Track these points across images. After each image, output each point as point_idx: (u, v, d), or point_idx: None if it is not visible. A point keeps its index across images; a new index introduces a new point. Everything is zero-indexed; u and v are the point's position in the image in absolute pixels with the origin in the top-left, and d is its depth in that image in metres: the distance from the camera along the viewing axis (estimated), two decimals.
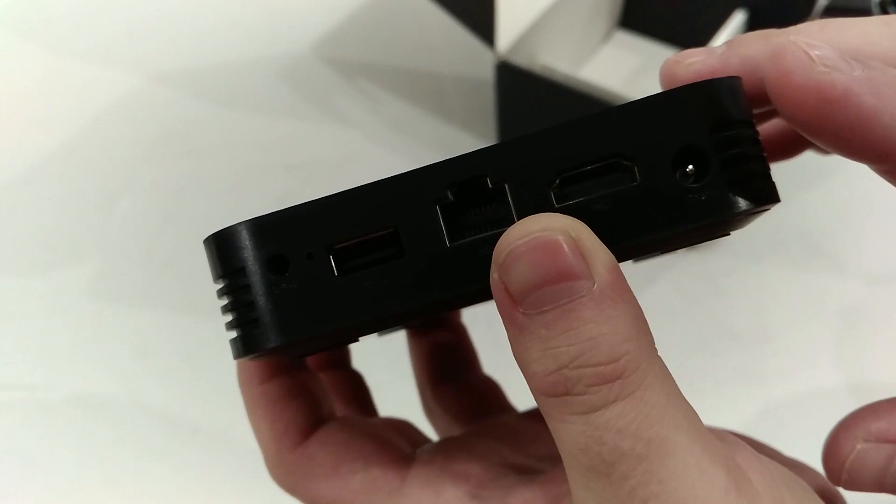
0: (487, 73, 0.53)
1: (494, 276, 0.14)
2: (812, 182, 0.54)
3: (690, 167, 0.15)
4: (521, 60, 0.52)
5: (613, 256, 0.14)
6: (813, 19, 0.56)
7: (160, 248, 0.53)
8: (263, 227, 0.16)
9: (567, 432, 0.14)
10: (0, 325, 0.49)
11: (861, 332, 0.47)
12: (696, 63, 0.16)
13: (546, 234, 0.14)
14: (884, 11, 0.59)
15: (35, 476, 0.42)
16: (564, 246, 0.13)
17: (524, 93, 0.53)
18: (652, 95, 0.15)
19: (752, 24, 0.60)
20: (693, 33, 0.61)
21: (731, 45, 0.16)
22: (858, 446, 0.16)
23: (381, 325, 0.17)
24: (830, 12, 0.56)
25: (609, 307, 0.13)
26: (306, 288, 0.16)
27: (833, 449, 0.16)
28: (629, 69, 0.64)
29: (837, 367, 0.45)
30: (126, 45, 0.67)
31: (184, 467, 0.43)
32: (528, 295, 0.14)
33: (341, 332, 0.16)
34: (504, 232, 0.14)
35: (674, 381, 0.14)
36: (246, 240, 0.17)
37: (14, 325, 0.49)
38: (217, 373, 0.47)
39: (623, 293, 0.14)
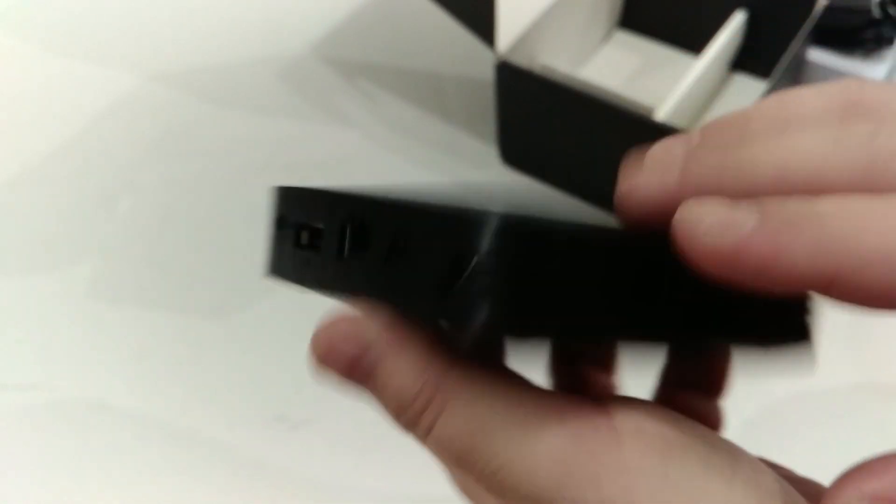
0: (487, 73, 0.53)
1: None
2: None
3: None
4: (521, 60, 0.52)
5: (357, 337, 0.17)
6: (813, 19, 0.56)
7: (160, 248, 0.53)
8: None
9: (431, 451, 0.17)
10: (0, 325, 0.49)
11: (862, 331, 0.47)
12: (650, 195, 0.16)
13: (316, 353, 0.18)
14: (884, 11, 0.59)
15: (35, 476, 0.42)
16: (327, 365, 0.18)
17: (524, 93, 0.53)
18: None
19: (751, 24, 0.60)
20: (693, 33, 0.61)
21: (688, 166, 0.16)
22: None
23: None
24: (831, 12, 0.56)
25: (375, 373, 0.17)
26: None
27: None
28: (629, 69, 0.64)
29: (838, 367, 0.45)
30: (126, 45, 0.67)
31: (184, 468, 0.43)
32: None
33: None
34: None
35: (477, 377, 0.17)
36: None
37: (14, 325, 0.49)
38: (217, 373, 0.47)
39: (373, 377, 0.17)
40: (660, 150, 0.16)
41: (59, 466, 0.43)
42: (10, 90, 0.63)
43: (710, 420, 0.23)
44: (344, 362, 0.17)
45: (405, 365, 0.17)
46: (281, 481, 0.42)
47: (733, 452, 0.16)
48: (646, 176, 0.16)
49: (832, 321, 0.52)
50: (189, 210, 0.55)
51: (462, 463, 0.16)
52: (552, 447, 0.15)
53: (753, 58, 0.61)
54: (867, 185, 0.14)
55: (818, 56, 0.59)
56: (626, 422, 0.16)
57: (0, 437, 0.44)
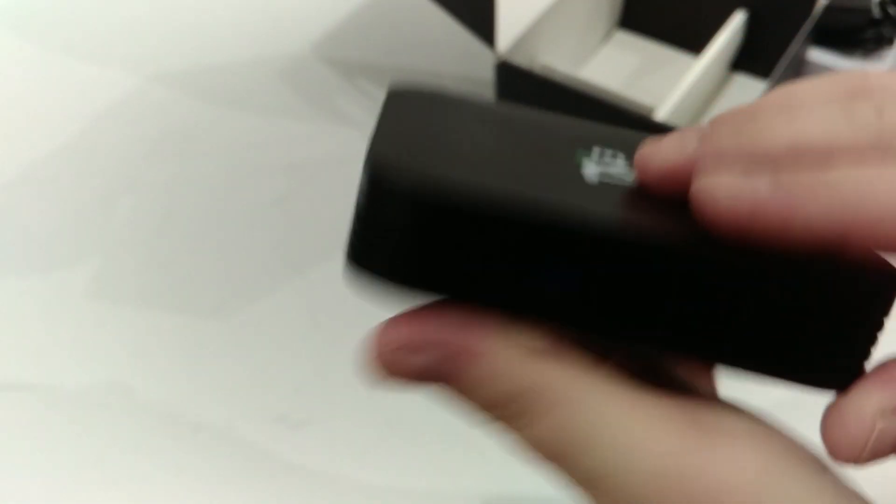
0: (487, 73, 0.53)
1: None
2: None
3: None
4: (521, 60, 0.52)
5: (460, 322, 0.16)
6: (813, 19, 0.56)
7: (160, 248, 0.53)
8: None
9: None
10: (0, 325, 0.49)
11: None
12: (669, 158, 0.17)
13: (386, 356, 0.17)
14: (883, 11, 0.60)
15: (35, 476, 0.42)
16: (400, 360, 0.17)
17: (524, 93, 0.53)
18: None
19: (751, 24, 0.60)
20: (693, 33, 0.61)
21: (704, 140, 0.16)
22: (879, 426, 0.16)
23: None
24: (831, 12, 0.56)
25: (470, 371, 0.16)
26: None
27: (842, 430, 0.16)
28: (629, 69, 0.64)
29: None
30: (126, 45, 0.67)
31: (184, 467, 0.43)
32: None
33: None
34: None
35: (584, 377, 0.16)
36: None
37: (14, 325, 0.49)
38: (217, 373, 0.47)
39: (474, 353, 0.16)
40: (677, 132, 0.17)
41: (59, 466, 0.43)
42: (10, 90, 0.63)
43: (702, 390, 0.23)
44: (417, 371, 0.16)
45: (486, 374, 0.16)
46: (281, 481, 0.42)
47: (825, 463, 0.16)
48: (667, 141, 0.17)
49: None
50: (189, 210, 0.55)
51: (558, 463, 0.16)
52: (657, 464, 0.15)
53: (753, 58, 0.61)
54: (876, 156, 0.14)
55: (818, 56, 0.59)
56: (742, 440, 0.16)
57: (0, 437, 0.44)
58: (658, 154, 0.17)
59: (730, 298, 0.16)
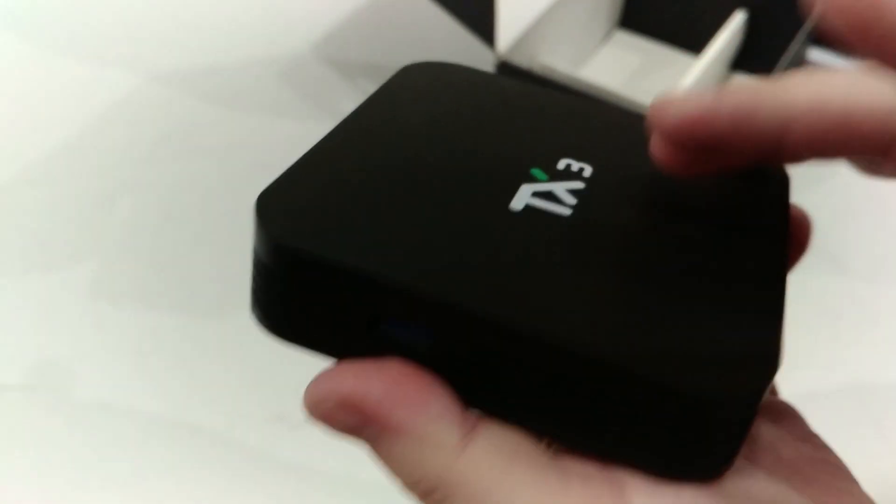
0: None
1: None
2: (812, 182, 0.54)
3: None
4: (521, 60, 0.52)
5: (397, 385, 0.16)
6: (813, 19, 0.56)
7: (160, 248, 0.53)
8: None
9: None
10: (0, 325, 0.49)
11: (861, 332, 0.47)
12: (688, 106, 0.17)
13: (322, 406, 0.17)
14: None
15: (34, 476, 0.42)
16: (333, 413, 0.17)
17: None
18: None
19: (751, 24, 0.60)
20: (693, 33, 0.61)
21: (719, 96, 0.17)
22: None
23: None
24: None
25: (391, 445, 0.16)
26: None
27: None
28: (629, 69, 0.64)
29: (838, 367, 0.45)
30: (126, 45, 0.67)
31: (183, 467, 0.43)
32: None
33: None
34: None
35: (500, 459, 0.15)
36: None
37: (14, 325, 0.49)
38: (217, 373, 0.47)
39: (398, 429, 0.15)
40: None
41: (59, 466, 0.43)
42: (11, 90, 0.63)
43: None
44: (343, 428, 0.17)
45: (407, 452, 0.16)
46: (281, 481, 0.42)
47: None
48: (683, 95, 0.17)
49: (834, 321, 0.52)
50: (189, 210, 0.55)
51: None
52: None
53: (753, 58, 0.61)
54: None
55: (818, 56, 0.59)
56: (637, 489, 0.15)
57: (0, 437, 0.44)
58: (673, 105, 0.17)
59: (581, 391, 0.15)
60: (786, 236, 0.19)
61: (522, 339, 0.15)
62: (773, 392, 0.23)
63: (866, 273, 0.50)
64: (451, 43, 0.64)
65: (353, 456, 0.43)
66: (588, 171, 0.19)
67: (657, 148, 0.18)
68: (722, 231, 0.18)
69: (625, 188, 0.19)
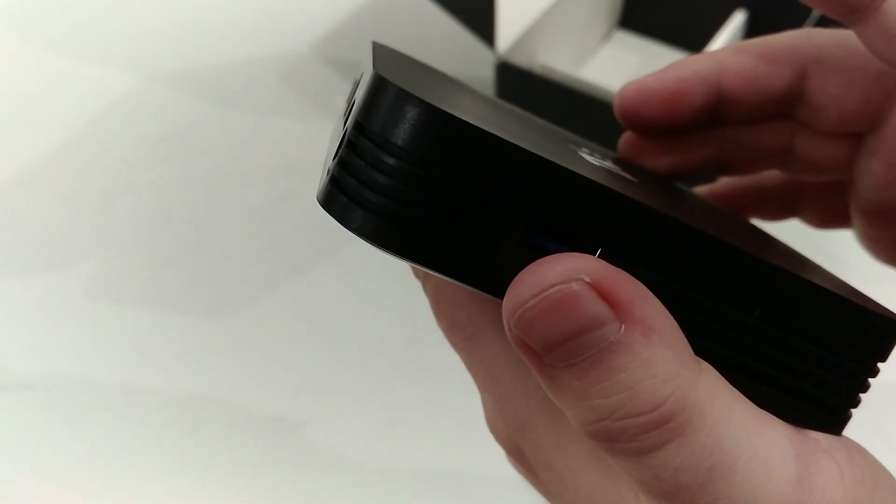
0: (487, 73, 0.53)
1: (511, 331, 0.13)
2: None
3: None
4: (521, 60, 0.52)
5: (640, 285, 0.13)
6: (813, 19, 0.56)
7: (160, 248, 0.53)
8: None
9: (622, 467, 0.14)
10: (0, 325, 0.49)
11: None
12: (632, 83, 0.23)
13: (559, 289, 0.12)
14: None
15: (35, 476, 0.42)
16: (582, 296, 0.12)
17: (524, 93, 0.53)
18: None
19: (752, 24, 0.60)
20: (693, 33, 0.61)
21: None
22: None
23: None
24: None
25: (642, 348, 0.12)
26: None
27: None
28: (629, 69, 0.64)
29: None
30: (126, 45, 0.67)
31: (183, 467, 0.43)
32: (551, 351, 0.13)
33: None
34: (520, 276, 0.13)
35: (724, 388, 0.14)
36: None
37: (14, 325, 0.49)
38: (217, 373, 0.47)
39: (652, 328, 0.13)
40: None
41: (60, 466, 0.43)
42: (10, 90, 0.63)
43: None
44: (578, 324, 0.12)
45: (659, 361, 0.13)
46: (281, 481, 0.42)
47: None
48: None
49: None
50: (189, 210, 0.55)
51: (680, 496, 0.13)
52: (780, 493, 0.13)
53: None
54: None
55: None
56: (839, 454, 0.15)
57: (0, 437, 0.44)
58: (634, 83, 0.22)
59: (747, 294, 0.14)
60: None
61: (714, 249, 0.14)
62: None
63: (866, 273, 0.50)
64: (451, 43, 0.64)
65: (354, 456, 0.43)
66: (609, 156, 0.23)
67: (623, 143, 0.23)
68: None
69: (643, 173, 0.22)
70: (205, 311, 0.49)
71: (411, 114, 0.12)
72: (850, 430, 0.18)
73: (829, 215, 0.27)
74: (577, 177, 0.13)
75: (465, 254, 0.13)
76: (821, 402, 0.16)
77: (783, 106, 0.22)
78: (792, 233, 0.52)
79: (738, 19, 0.59)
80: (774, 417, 0.15)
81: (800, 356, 0.15)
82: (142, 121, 0.61)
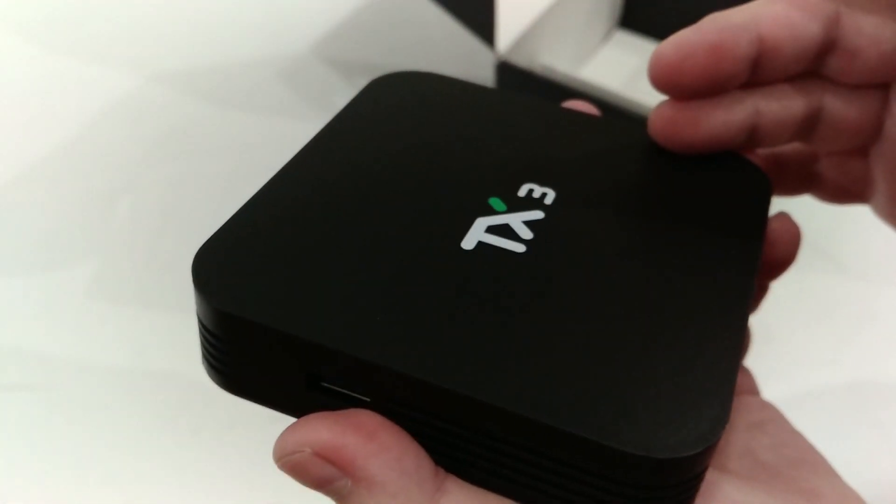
0: (487, 73, 0.53)
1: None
2: None
3: None
4: (521, 60, 0.52)
5: (370, 444, 0.15)
6: None
7: (160, 248, 0.53)
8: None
9: None
10: (0, 325, 0.49)
11: (861, 332, 0.47)
12: (683, 40, 0.22)
13: (293, 457, 0.16)
14: None
15: (34, 476, 0.42)
16: (308, 463, 0.16)
17: (524, 93, 0.53)
18: None
19: None
20: None
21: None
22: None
23: None
24: None
25: (367, 500, 0.15)
26: None
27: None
28: (629, 69, 0.64)
29: (837, 367, 0.45)
30: (126, 45, 0.67)
31: (184, 467, 0.43)
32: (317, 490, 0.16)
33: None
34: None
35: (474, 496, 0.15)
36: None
37: (14, 325, 0.49)
38: None
39: (374, 483, 0.15)
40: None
41: (59, 466, 0.43)
42: (10, 90, 0.63)
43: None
44: (317, 480, 0.16)
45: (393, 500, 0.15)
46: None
47: None
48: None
49: (832, 320, 0.52)
50: (189, 210, 0.55)
51: None
52: None
53: None
54: None
55: None
56: (831, 490, 0.16)
57: (0, 437, 0.44)
58: (670, 40, 0.22)
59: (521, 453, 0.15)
60: (757, 259, 0.18)
61: (455, 401, 0.15)
62: (755, 392, 0.23)
63: (865, 272, 0.50)
64: (451, 43, 0.64)
65: None
66: (550, 196, 0.19)
67: (656, 117, 0.22)
68: (688, 257, 0.18)
69: (586, 215, 0.19)
70: None
71: (213, 315, 0.18)
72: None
73: (845, 188, 0.26)
74: (325, 349, 0.16)
75: (271, 394, 0.18)
76: None
77: (817, 58, 0.21)
78: None
79: None
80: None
81: (562, 476, 0.15)
82: (142, 121, 0.61)
